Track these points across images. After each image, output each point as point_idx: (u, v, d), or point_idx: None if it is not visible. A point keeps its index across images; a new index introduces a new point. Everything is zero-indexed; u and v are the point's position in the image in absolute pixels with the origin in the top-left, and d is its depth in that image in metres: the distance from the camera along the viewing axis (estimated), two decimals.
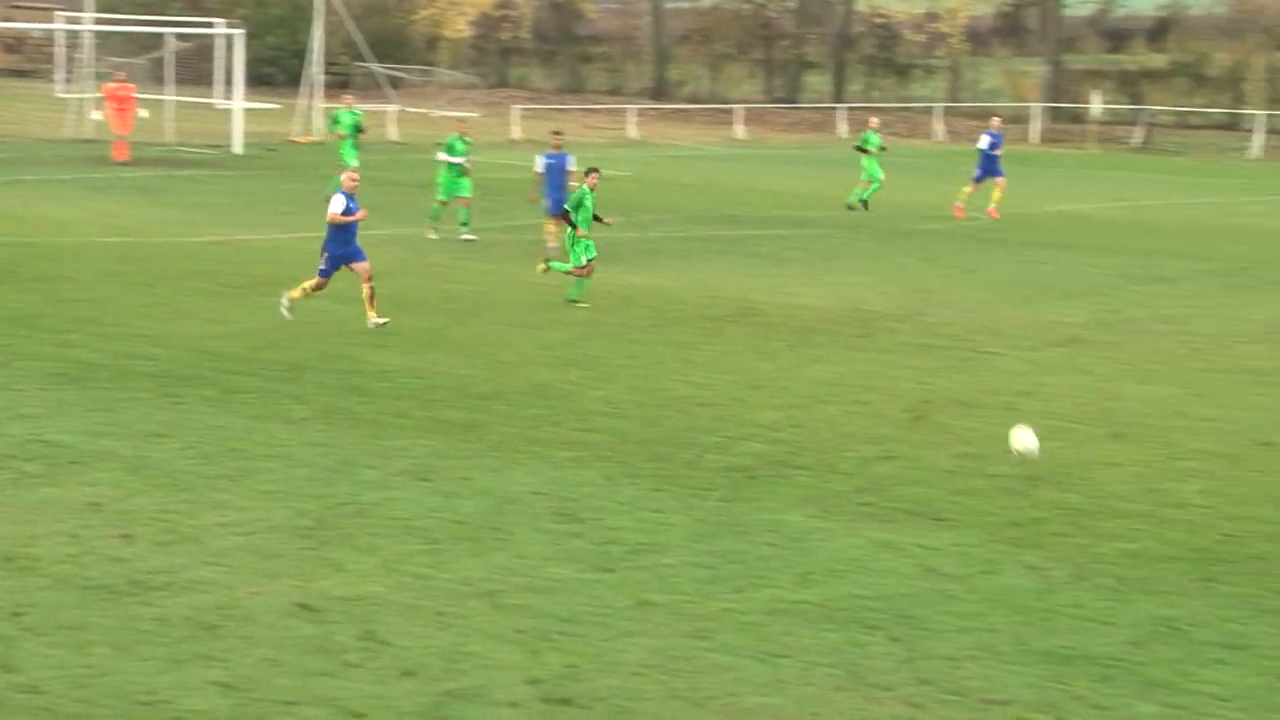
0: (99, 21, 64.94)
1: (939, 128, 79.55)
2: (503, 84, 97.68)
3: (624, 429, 19.87)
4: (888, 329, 27.28)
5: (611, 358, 23.87)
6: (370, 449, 18.51)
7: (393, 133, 65.07)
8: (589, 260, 28.39)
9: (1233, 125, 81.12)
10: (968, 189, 44.71)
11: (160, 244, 34.35)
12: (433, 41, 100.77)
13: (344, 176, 25.98)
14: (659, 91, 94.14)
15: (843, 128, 79.52)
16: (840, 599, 14.08)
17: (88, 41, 61.68)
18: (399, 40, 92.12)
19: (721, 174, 57.21)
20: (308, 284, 25.75)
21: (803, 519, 16.41)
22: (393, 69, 79.30)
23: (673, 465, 18.31)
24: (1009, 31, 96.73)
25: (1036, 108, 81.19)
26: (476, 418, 20.17)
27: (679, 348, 24.94)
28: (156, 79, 68.21)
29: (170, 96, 62.40)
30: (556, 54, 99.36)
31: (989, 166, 45.05)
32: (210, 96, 64.25)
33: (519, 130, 68.76)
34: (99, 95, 59.11)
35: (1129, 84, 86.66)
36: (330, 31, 68.45)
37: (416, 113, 75.27)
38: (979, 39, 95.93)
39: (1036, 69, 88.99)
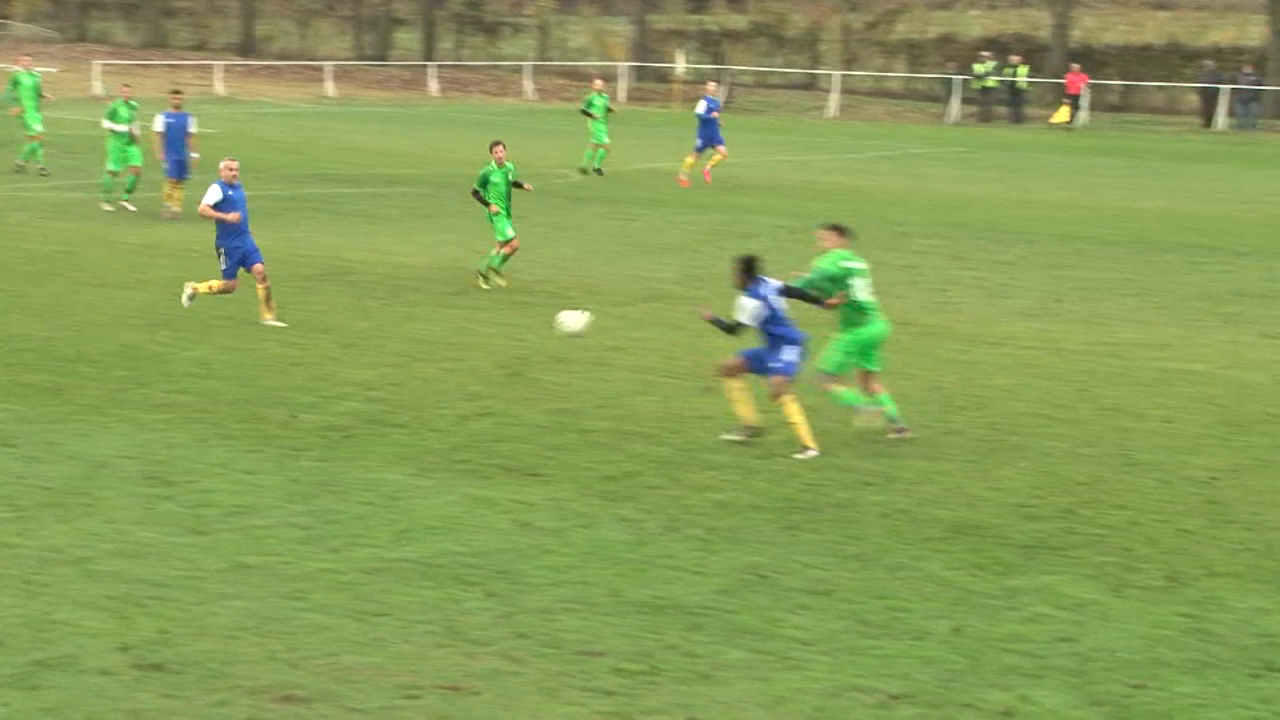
0: None
1: (529, 86, 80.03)
2: (82, 38, 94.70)
3: (216, 390, 19.58)
4: (480, 287, 27.39)
5: (201, 318, 23.46)
6: None
7: None
8: (506, 240, 27.38)
9: (810, 85, 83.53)
10: (690, 159, 44.26)
11: None
12: None
13: (222, 165, 23.67)
14: (246, 48, 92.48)
15: (434, 85, 79.39)
16: (438, 556, 14.16)
17: None
18: None
19: (312, 132, 56.59)
20: (214, 284, 23.60)
21: (400, 477, 16.43)
22: None
23: (267, 425, 18.12)
24: None
25: (623, 66, 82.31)
26: (61, 381, 19.63)
27: (311, 310, 24.64)
28: None
29: None
30: (139, 8, 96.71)
31: (709, 134, 44.37)
32: None
33: (100, 86, 66.81)
34: None
35: (711, 44, 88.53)
36: None
37: None
38: None
39: (623, 28, 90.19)
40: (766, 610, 13.18)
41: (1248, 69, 74.11)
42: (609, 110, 46.66)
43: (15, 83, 41.15)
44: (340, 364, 21.24)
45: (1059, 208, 42.00)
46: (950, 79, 76.27)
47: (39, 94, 40.65)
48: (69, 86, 68.38)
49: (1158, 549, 15.00)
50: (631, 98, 78.61)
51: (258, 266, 23.46)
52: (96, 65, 71.22)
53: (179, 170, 33.56)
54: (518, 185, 28.00)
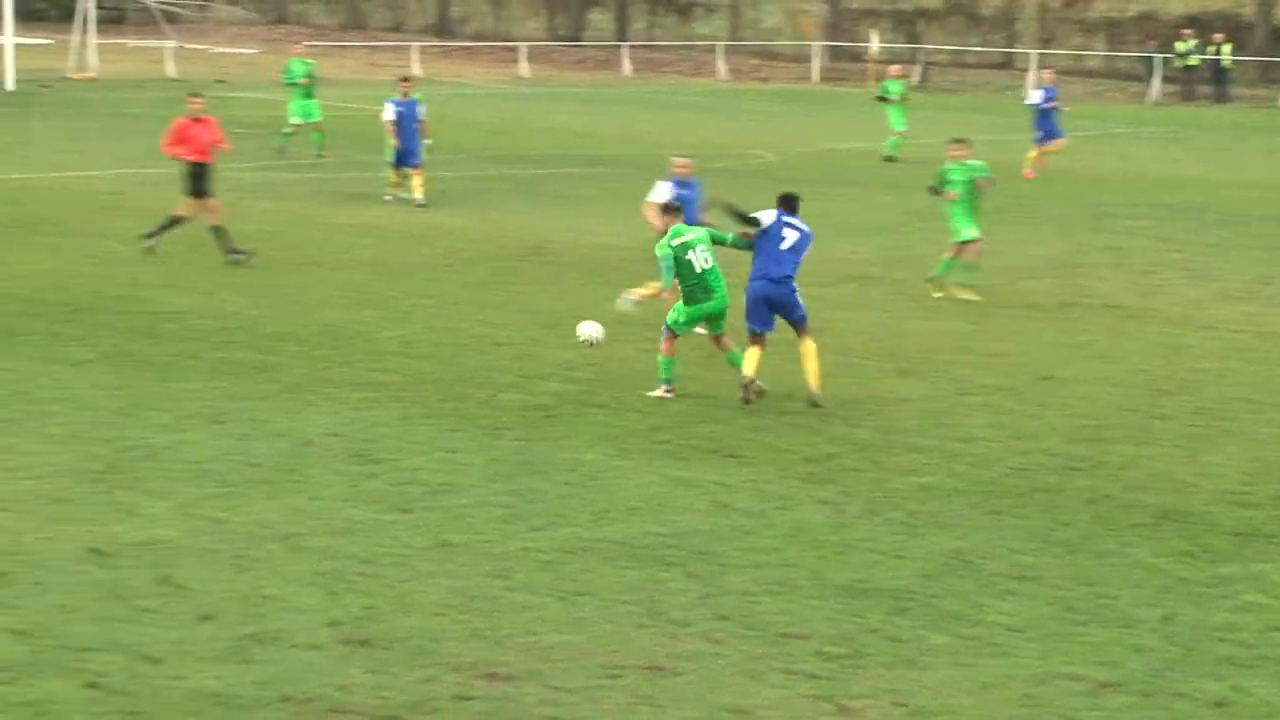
0: None
1: (722, 66, 79.90)
2: (282, 20, 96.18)
3: (419, 369, 19.78)
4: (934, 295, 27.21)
5: (406, 298, 23.71)
6: (160, 392, 18.22)
7: (170, 70, 63.82)
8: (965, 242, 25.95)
9: (1007, 64, 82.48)
10: (1032, 153, 43.35)
11: None
12: None
13: (674, 160, 22.53)
14: (442, 29, 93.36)
15: (627, 65, 79.57)
16: (638, 536, 14.18)
17: None
18: None
19: (510, 113, 56.99)
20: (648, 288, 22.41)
21: (600, 457, 16.48)
22: (168, 5, 77.71)
23: (469, 405, 18.27)
24: None
25: (817, 46, 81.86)
26: (269, 359, 19.94)
27: (474, 288, 24.85)
28: None
29: None
30: None
31: (1048, 125, 42.58)
32: None
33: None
34: None
35: (906, 23, 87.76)
36: None
37: (195, 49, 73.93)
38: None
39: (816, 7, 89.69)
40: (971, 595, 13.04)
41: None
42: (905, 96, 45.50)
43: (288, 70, 41.59)
44: (541, 344, 21.36)
45: (1269, 188, 41.08)
46: (1151, 58, 74.87)
47: (311, 81, 40.95)
48: (269, 69, 69.50)
49: None
50: (825, 78, 78.18)
51: None
52: (296, 47, 72.27)
53: (409, 159, 33.54)
54: (983, 183, 25.63)
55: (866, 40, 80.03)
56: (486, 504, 14.91)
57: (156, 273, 24.86)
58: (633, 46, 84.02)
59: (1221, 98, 73.04)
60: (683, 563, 13.58)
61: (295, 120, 40.55)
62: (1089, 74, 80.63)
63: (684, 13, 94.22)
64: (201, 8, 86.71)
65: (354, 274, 25.66)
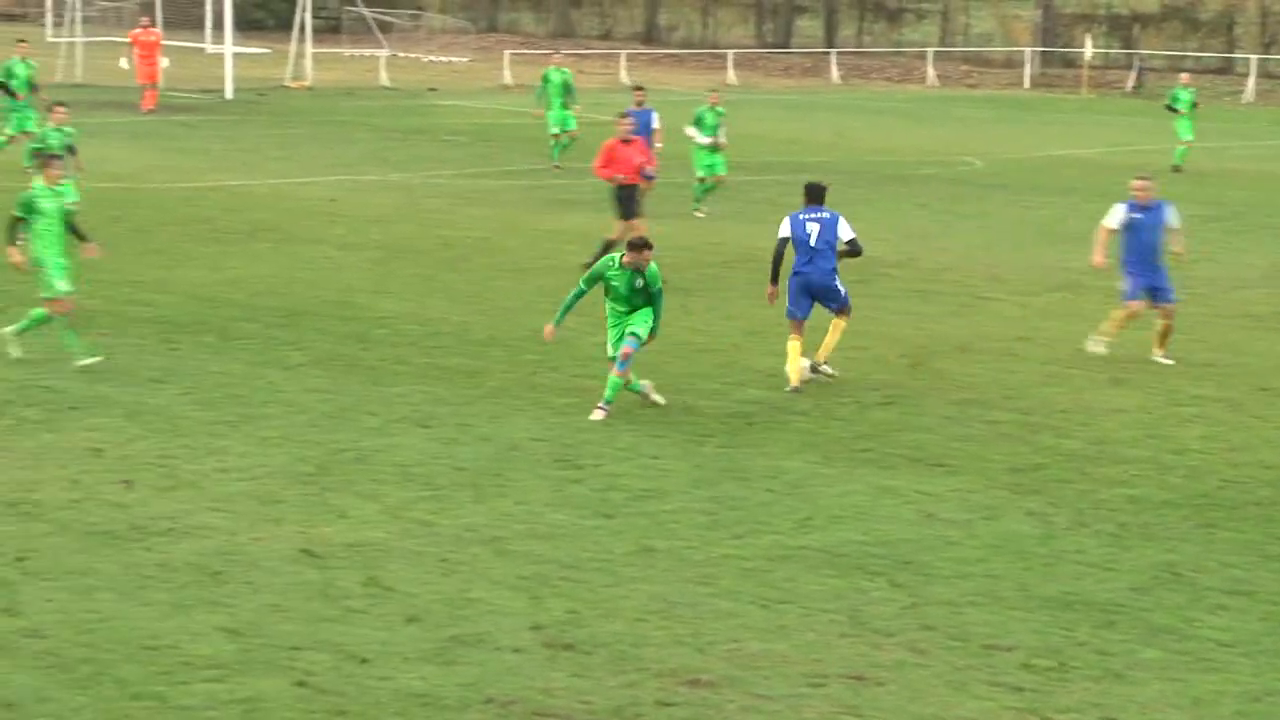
0: None
1: (931, 72, 79.29)
2: (493, 29, 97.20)
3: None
4: (885, 275, 27.23)
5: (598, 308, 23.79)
6: (370, 395, 18.49)
7: (384, 78, 64.81)
8: None
9: (1226, 69, 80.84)
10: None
11: (156, 190, 34.26)
12: None
13: (1133, 184, 21.75)
14: (650, 36, 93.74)
15: (835, 72, 79.27)
16: (841, 545, 14.10)
17: None
18: None
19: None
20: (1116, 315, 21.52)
21: (803, 465, 16.42)
22: (382, 14, 78.91)
23: (672, 411, 18.30)
24: None
25: (1029, 52, 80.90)
26: (476, 364, 20.15)
27: (678, 294, 24.83)
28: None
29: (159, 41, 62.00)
30: None
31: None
32: (199, 41, 63.94)
33: (510, 75, 68.51)
34: (88, 40, 58.88)
35: (1121, 28, 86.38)
36: None
37: (408, 58, 75.00)
38: None
39: (1028, 13, 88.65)
40: (1183, 609, 12.79)
41: None
42: (1194, 105, 44.63)
43: (545, 79, 41.93)
44: (744, 351, 21.34)
45: None
46: None
47: (567, 92, 41.20)
48: (481, 76, 70.29)
49: None
50: (1036, 84, 77.25)
51: (1167, 307, 21.33)
52: (506, 55, 73.03)
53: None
54: None
55: (1080, 45, 79.00)
56: (689, 510, 14.93)
57: (369, 279, 25.24)
58: (840, 53, 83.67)
59: None
60: (887, 572, 13.48)
61: (554, 130, 40.73)
62: None
63: (893, 18, 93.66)
64: (414, 16, 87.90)
65: (559, 280, 25.78)
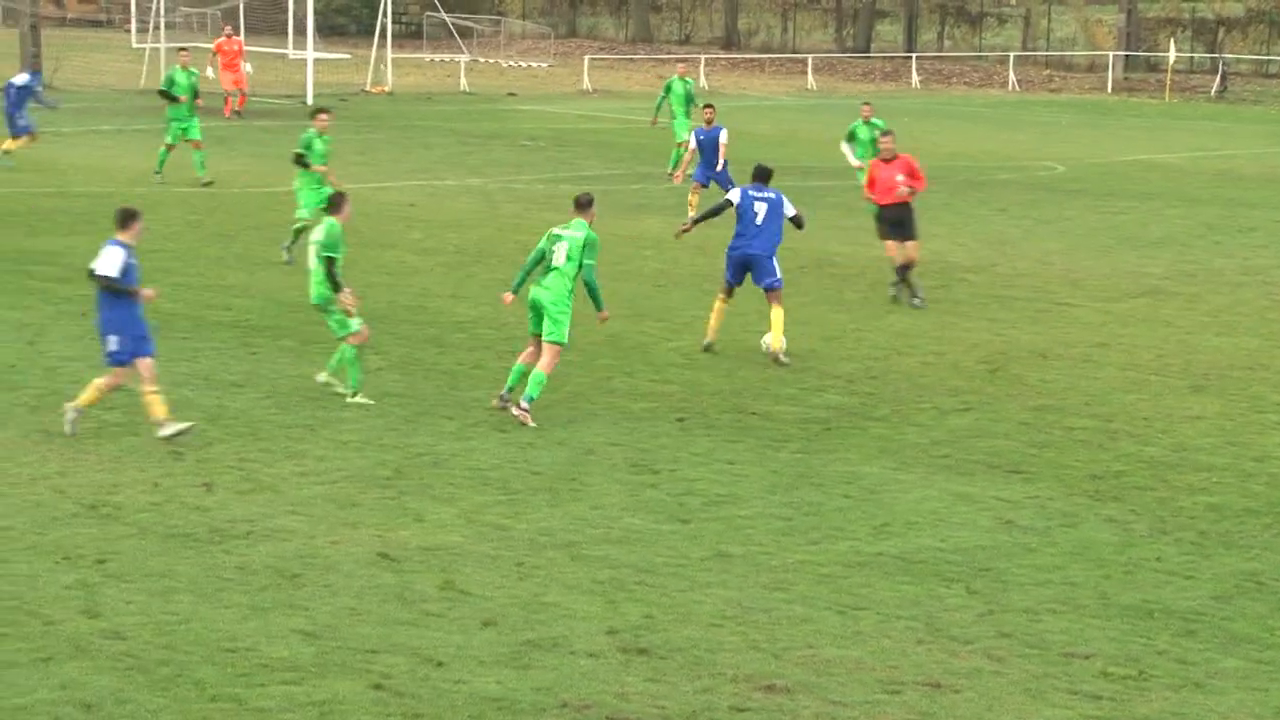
0: None
1: (1012, 77, 78.90)
2: (573, 34, 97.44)
3: (699, 380, 19.85)
4: (963, 280, 27.14)
5: (685, 309, 23.81)
6: (447, 399, 18.56)
7: (463, 83, 65.06)
8: None
9: None
10: None
11: (237, 194, 34.50)
12: None
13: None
14: (729, 41, 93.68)
15: (915, 77, 79.00)
16: (918, 551, 14.05)
17: None
18: None
19: (795, 124, 56.95)
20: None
21: (879, 471, 16.37)
22: (463, 19, 79.23)
23: (748, 417, 18.27)
24: None
25: (1112, 56, 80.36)
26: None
27: (754, 299, 24.83)
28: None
29: (242, 46, 62.44)
30: (626, 3, 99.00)
31: None
32: (282, 47, 64.34)
33: (589, 81, 68.65)
34: (172, 46, 59.29)
35: (1206, 32, 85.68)
36: None
37: (488, 63, 75.25)
38: None
39: (1111, 17, 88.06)
40: (1265, 619, 12.67)
41: None
42: None
43: (667, 89, 41.85)
44: (820, 357, 21.30)
45: None
46: None
47: (689, 101, 40.98)
48: (560, 82, 70.44)
49: None
50: (1119, 88, 76.72)
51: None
52: (585, 60, 73.19)
53: (706, 180, 33.44)
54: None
55: (1164, 49, 78.43)
56: (765, 516, 14.91)
57: (445, 283, 25.33)
58: (921, 57, 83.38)
59: None
60: (963, 579, 13.42)
61: (681, 139, 40.60)
62: None
63: (975, 23, 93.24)
64: (494, 22, 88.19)
65: (635, 285, 25.86)
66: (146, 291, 16.83)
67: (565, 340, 17.96)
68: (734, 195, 21.71)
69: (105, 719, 10.57)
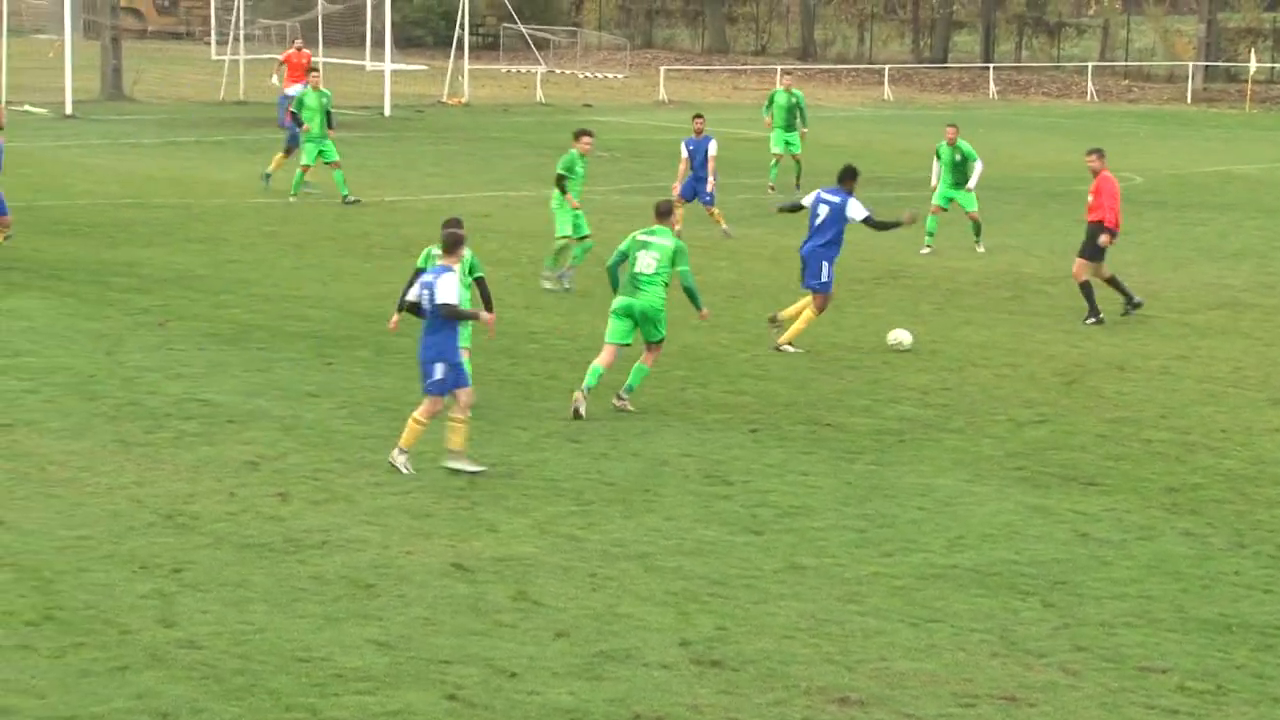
0: None
1: (1090, 87, 78.45)
2: (649, 45, 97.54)
3: (772, 391, 19.82)
4: (1039, 291, 27.00)
5: (758, 320, 23.77)
6: (520, 410, 18.61)
7: (539, 94, 65.24)
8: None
9: None
10: None
11: (314, 206, 34.70)
12: (579, 2, 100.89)
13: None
14: (806, 52, 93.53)
15: (992, 87, 78.67)
16: (993, 564, 13.98)
17: (239, 3, 62.30)
18: (545, 1, 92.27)
19: (871, 135, 56.81)
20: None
21: (953, 483, 16.30)
22: (539, 30, 79.47)
23: (821, 428, 18.24)
24: None
25: (1192, 67, 79.81)
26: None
27: (829, 310, 24.79)
28: (308, 41, 68.68)
29: (321, 59, 62.88)
30: (702, 14, 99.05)
31: None
32: (359, 58, 64.73)
33: (665, 92, 68.71)
34: (251, 58, 59.80)
35: None
36: None
37: (564, 74, 75.43)
38: None
39: (1191, 27, 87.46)
40: None
41: None
42: None
43: (770, 100, 41.79)
44: (894, 368, 21.23)
45: None
46: None
47: (791, 112, 40.80)
48: (636, 93, 70.55)
49: None
50: (1198, 99, 76.17)
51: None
52: (662, 71, 73.26)
53: (702, 196, 33.06)
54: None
55: (1245, 60, 77.80)
56: (838, 527, 14.87)
57: (519, 294, 25.40)
58: (998, 68, 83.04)
59: None
60: (1039, 592, 13.35)
61: (776, 150, 40.44)
62: None
63: (1053, 33, 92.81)
64: (570, 33, 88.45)
65: (709, 296, 25.76)
66: (488, 316, 16.68)
67: (666, 334, 18.96)
68: (808, 197, 22.48)
69: None
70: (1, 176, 26.45)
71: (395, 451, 16.18)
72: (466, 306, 16.92)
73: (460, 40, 63.28)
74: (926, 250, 30.30)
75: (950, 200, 30.37)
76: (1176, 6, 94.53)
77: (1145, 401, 19.73)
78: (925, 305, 25.68)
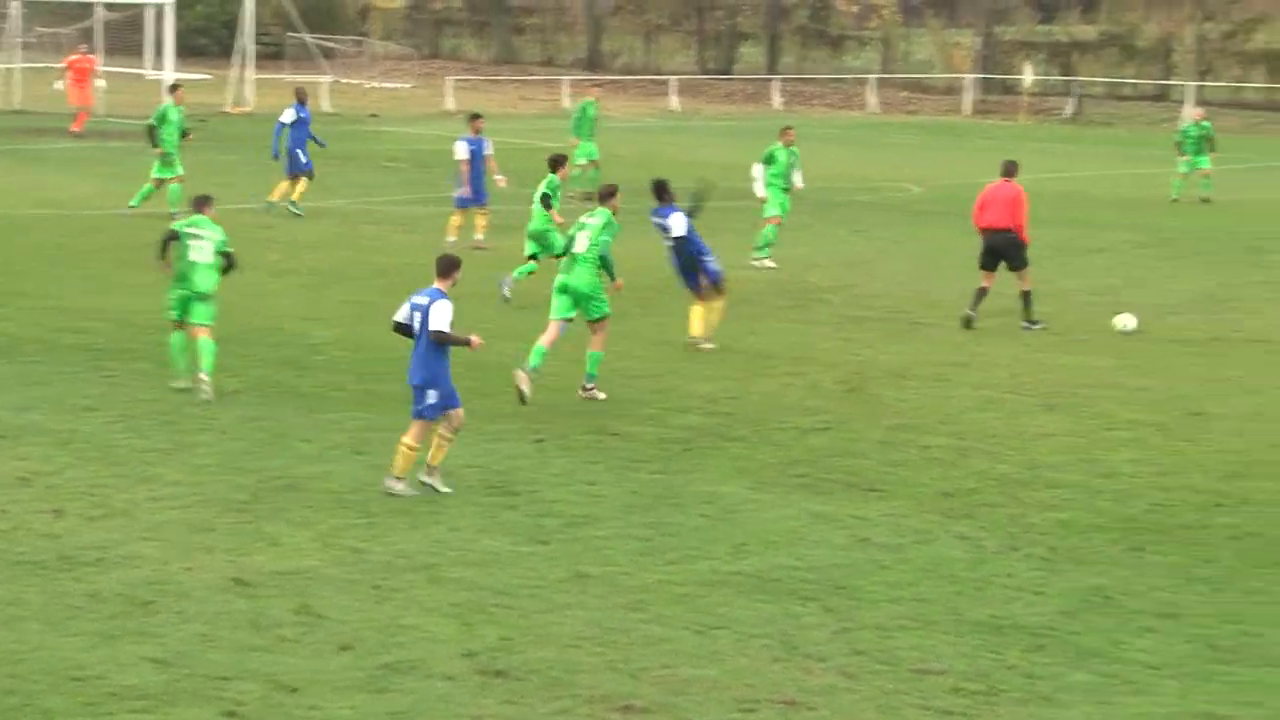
0: None
1: (872, 99, 79.66)
2: (436, 55, 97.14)
3: (557, 401, 19.86)
4: (822, 301, 27.36)
5: (540, 330, 23.78)
6: (305, 422, 18.45)
7: (326, 104, 64.68)
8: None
9: (1162, 96, 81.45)
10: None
11: (92, 217, 34.09)
12: (365, 11, 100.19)
13: None
14: (593, 63, 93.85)
15: (777, 98, 79.53)
16: (775, 570, 14.14)
17: (15, 11, 60.99)
18: (331, 10, 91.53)
19: (656, 146, 57.12)
20: None
21: (737, 490, 16.46)
22: (325, 39, 78.77)
23: (607, 437, 18.31)
24: (941, 2, 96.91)
25: (968, 79, 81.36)
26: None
27: (615, 319, 24.88)
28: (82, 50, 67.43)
29: (101, 66, 61.75)
30: (489, 24, 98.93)
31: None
32: (139, 67, 63.67)
33: (452, 101, 68.50)
34: (27, 66, 58.57)
35: (1060, 55, 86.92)
36: (261, 1, 67.94)
37: (350, 84, 74.85)
38: (912, 10, 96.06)
39: (968, 40, 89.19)
40: (1111, 633, 12.88)
41: None
42: (1204, 139, 43.92)
43: (583, 111, 41.50)
44: (682, 377, 21.38)
45: None
46: None
47: (594, 122, 40.92)
48: (422, 103, 70.24)
49: None
50: (976, 111, 77.68)
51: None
52: (449, 81, 73.04)
53: (478, 199, 32.89)
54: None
55: (1019, 72, 79.48)
56: (623, 536, 14.94)
57: (302, 305, 25.19)
58: (783, 79, 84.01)
59: None
60: (819, 597, 13.53)
61: (582, 161, 40.31)
62: (1245, 106, 79.44)
63: (836, 45, 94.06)
64: (357, 42, 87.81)
65: (490, 308, 25.82)
66: (477, 340, 16.47)
67: (609, 311, 20.15)
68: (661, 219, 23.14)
69: None
70: None
71: (390, 479, 15.90)
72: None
73: (243, 49, 62.54)
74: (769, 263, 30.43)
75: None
76: (954, 20, 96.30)
77: (923, 408, 20.09)
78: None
